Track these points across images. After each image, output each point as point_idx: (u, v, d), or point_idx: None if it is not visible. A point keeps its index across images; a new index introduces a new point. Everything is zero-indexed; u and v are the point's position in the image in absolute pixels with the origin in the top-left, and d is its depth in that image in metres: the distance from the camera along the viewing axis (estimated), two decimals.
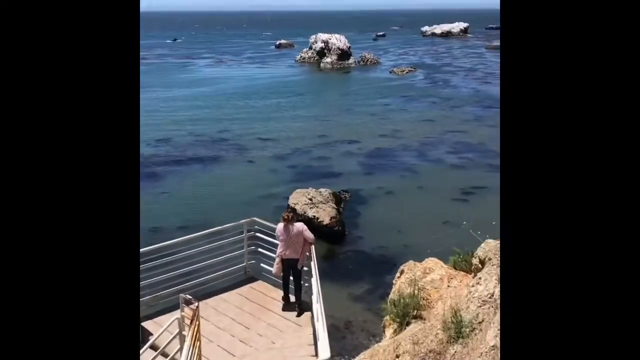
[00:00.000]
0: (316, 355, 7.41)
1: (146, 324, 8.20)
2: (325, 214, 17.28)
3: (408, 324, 6.50)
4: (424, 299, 6.67)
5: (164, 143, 28.85)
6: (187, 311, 6.65)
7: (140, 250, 7.19)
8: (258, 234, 9.78)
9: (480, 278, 5.73)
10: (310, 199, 17.87)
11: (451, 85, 49.23)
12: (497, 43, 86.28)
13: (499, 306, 5.02)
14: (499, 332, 4.23)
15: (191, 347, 6.15)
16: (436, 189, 21.29)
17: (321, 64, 63.90)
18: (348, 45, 66.42)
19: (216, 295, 9.26)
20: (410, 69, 59.09)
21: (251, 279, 9.82)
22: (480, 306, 5.35)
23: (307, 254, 8.69)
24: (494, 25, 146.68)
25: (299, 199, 18.12)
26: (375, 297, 13.11)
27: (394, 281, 7.95)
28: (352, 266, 15.44)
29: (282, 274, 8.79)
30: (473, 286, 5.75)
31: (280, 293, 9.02)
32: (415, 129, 31.42)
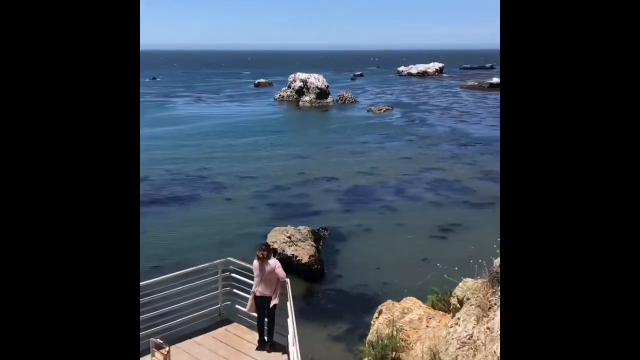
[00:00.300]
0: None
1: None
2: (304, 252, 17.08)
3: None
4: (402, 340, 6.53)
5: (141, 182, 28.50)
6: (158, 356, 6.40)
7: None
8: (233, 274, 9.56)
9: (459, 318, 5.63)
10: (289, 237, 17.68)
11: (428, 123, 50.04)
12: (471, 82, 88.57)
13: (478, 347, 4.91)
14: None
15: None
16: (414, 226, 21.30)
17: (300, 103, 64.55)
18: (326, 84, 67.41)
19: (189, 338, 8.93)
20: (387, 107, 60.01)
21: (226, 321, 9.53)
22: (459, 347, 5.24)
23: (281, 291, 8.51)
24: (468, 65, 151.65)
25: (277, 237, 17.92)
26: (354, 337, 12.87)
27: (372, 321, 7.79)
28: (330, 305, 15.20)
29: (255, 312, 8.58)
30: (452, 327, 5.64)
31: (256, 336, 8.76)
32: (393, 167, 31.66)
